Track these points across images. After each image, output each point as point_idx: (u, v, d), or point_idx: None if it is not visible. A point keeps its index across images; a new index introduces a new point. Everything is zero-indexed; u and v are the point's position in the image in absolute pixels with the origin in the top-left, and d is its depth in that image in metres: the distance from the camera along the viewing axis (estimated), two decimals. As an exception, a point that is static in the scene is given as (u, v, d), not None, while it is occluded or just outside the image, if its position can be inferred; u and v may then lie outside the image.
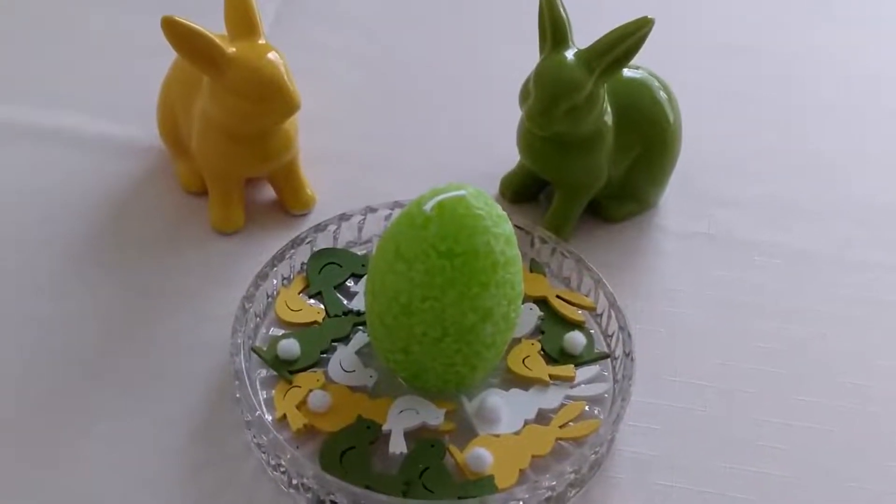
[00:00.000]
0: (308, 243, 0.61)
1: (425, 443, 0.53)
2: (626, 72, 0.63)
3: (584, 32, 0.61)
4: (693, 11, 0.87)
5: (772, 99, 0.79)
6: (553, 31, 0.60)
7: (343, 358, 0.57)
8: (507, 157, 0.68)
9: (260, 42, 0.60)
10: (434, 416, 0.54)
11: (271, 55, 0.59)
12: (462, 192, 0.50)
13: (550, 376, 0.57)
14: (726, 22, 0.86)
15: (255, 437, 0.53)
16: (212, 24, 0.59)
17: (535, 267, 0.62)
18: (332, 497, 0.50)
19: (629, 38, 0.59)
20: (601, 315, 0.60)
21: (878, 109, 0.79)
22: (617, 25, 0.59)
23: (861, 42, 0.86)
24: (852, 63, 0.83)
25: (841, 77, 0.82)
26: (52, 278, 0.62)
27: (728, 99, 0.79)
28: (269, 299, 0.59)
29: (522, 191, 0.68)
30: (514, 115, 0.64)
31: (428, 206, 0.50)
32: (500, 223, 0.51)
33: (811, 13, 0.89)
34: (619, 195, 0.67)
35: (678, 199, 0.69)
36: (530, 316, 0.59)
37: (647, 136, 0.65)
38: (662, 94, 0.65)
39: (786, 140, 0.76)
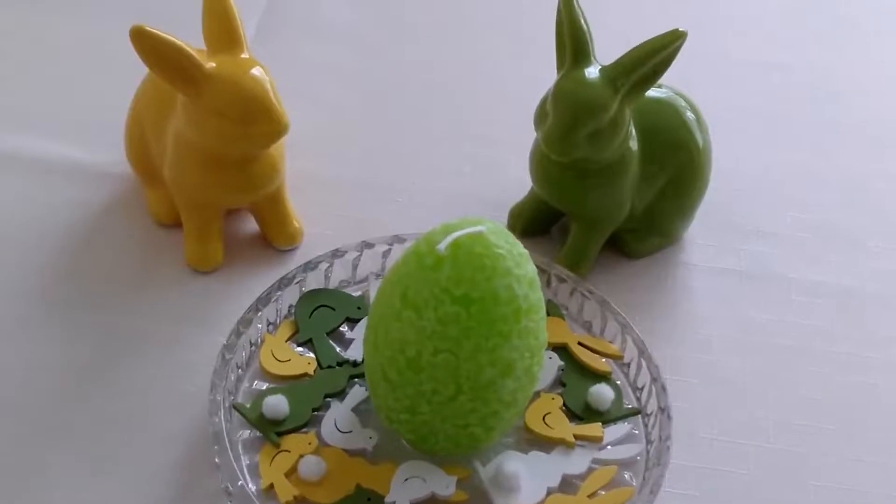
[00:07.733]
0: (296, 283, 0.58)
1: (435, 517, 0.49)
2: (651, 91, 0.59)
3: (605, 47, 0.57)
4: (721, 27, 0.83)
5: (807, 120, 0.75)
6: (573, 44, 0.56)
7: (338, 416, 0.53)
8: (517, 184, 0.64)
9: (243, 56, 0.57)
10: (444, 484, 0.50)
11: (256, 71, 0.57)
12: (480, 227, 0.46)
13: (575, 436, 0.53)
14: (757, 38, 0.83)
15: (237, 510, 0.49)
16: (190, 39, 0.56)
17: (552, 310, 0.58)
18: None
19: (659, 54, 0.55)
20: (628, 365, 0.56)
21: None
22: (642, 40, 0.55)
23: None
24: (894, 80, 0.80)
25: (884, 95, 0.78)
26: (4, 321, 0.58)
27: (759, 120, 0.75)
28: (253, 348, 0.56)
29: (534, 223, 0.64)
30: (525, 137, 0.61)
31: (441, 246, 0.45)
32: (523, 264, 0.47)
33: (848, 27, 0.85)
34: (641, 228, 0.63)
35: (705, 231, 0.66)
36: (549, 366, 0.55)
37: (675, 163, 0.61)
38: (690, 115, 0.61)
39: (824, 165, 0.72)
